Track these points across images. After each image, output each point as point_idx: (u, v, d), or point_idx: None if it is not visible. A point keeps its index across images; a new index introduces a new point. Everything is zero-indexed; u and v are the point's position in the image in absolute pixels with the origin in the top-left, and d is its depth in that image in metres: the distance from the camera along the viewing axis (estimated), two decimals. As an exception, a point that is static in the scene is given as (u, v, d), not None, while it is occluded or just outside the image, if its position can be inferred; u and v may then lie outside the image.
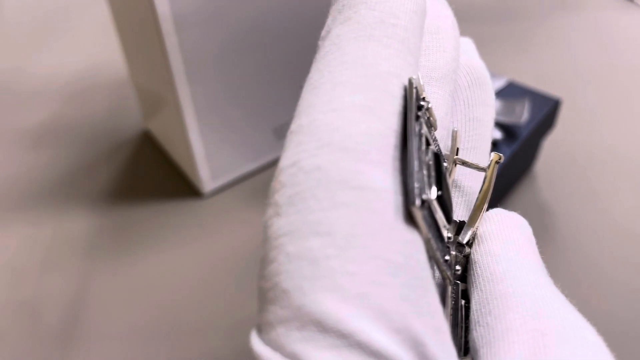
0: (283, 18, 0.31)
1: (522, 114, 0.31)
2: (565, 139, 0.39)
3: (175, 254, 0.33)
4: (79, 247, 0.34)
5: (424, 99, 0.13)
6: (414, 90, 0.12)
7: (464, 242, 0.15)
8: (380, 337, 0.10)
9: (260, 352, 0.10)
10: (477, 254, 0.15)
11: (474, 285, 0.14)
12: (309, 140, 0.12)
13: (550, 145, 0.38)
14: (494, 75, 0.35)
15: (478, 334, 0.13)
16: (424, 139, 0.12)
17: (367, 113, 0.12)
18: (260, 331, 0.11)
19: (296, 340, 0.10)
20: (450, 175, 0.15)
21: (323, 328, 0.10)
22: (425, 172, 0.11)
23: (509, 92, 0.34)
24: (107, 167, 0.39)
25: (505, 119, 0.31)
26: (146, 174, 0.38)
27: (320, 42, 0.14)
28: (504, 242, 0.14)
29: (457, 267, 0.15)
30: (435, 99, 0.15)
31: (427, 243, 0.11)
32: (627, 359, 0.28)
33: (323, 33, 0.14)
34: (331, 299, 0.10)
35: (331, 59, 0.13)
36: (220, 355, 0.29)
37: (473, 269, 0.14)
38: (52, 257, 0.33)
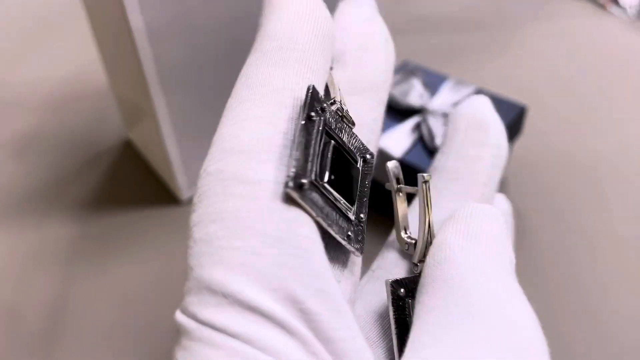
0: (256, 28, 0.32)
1: (487, 121, 0.32)
2: (536, 144, 0.40)
3: (154, 259, 0.34)
4: (60, 253, 0.34)
5: (329, 101, 0.15)
6: (309, 95, 0.14)
7: (415, 261, 0.17)
8: (255, 295, 0.12)
9: (175, 316, 0.13)
10: (432, 244, 0.16)
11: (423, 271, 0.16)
12: (215, 150, 0.14)
13: (521, 151, 0.39)
14: (463, 83, 0.36)
15: (416, 310, 0.15)
16: (319, 135, 0.14)
17: (261, 122, 0.14)
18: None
19: (193, 303, 0.13)
20: (398, 199, 0.18)
21: (212, 291, 0.12)
22: (315, 160, 0.14)
23: (477, 100, 0.35)
24: (88, 175, 0.40)
25: (471, 126, 0.32)
26: (127, 181, 0.39)
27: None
28: (455, 232, 0.16)
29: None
30: (362, 105, 0.17)
31: (316, 220, 0.13)
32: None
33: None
34: (219, 269, 0.12)
35: (239, 85, 0.15)
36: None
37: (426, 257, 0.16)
38: (34, 263, 0.34)
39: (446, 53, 0.50)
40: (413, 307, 0.16)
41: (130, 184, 0.39)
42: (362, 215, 0.15)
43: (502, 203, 0.22)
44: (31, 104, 0.46)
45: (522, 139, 0.39)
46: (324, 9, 0.17)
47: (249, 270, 0.12)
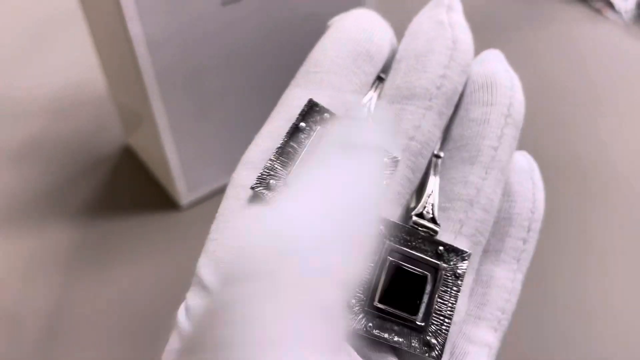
0: (254, 37, 0.33)
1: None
2: (532, 149, 0.40)
3: (154, 264, 0.34)
4: (60, 259, 0.35)
5: (327, 113, 0.16)
6: (305, 108, 0.16)
7: (411, 214, 0.17)
8: (209, 277, 0.15)
9: None
10: None
11: None
12: None
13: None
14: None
15: None
16: (308, 141, 0.16)
17: (267, 137, 0.16)
18: None
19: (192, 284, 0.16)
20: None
21: (196, 274, 0.16)
22: (294, 163, 0.16)
23: (473, 106, 0.35)
24: (88, 181, 0.40)
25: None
26: (126, 187, 0.39)
27: None
28: None
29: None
30: (403, 113, 0.17)
31: None
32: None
33: None
34: (203, 257, 0.16)
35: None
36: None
37: None
38: (34, 269, 0.34)
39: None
40: (390, 250, 0.16)
41: (130, 190, 0.39)
42: None
43: (522, 161, 0.20)
44: (31, 110, 0.47)
45: (518, 144, 0.40)
46: (368, 28, 0.18)
47: (214, 257, 0.15)
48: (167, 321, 0.31)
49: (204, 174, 0.37)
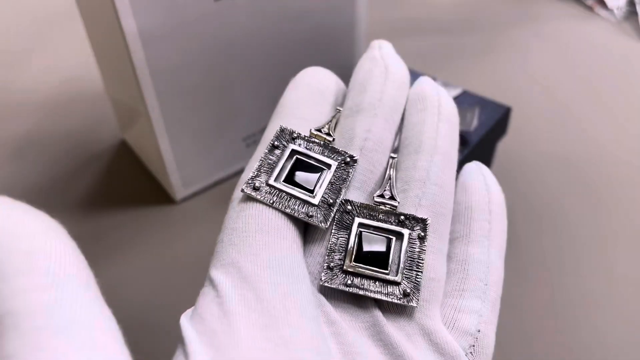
0: (247, 33, 0.33)
1: (472, 122, 0.33)
2: (520, 144, 0.41)
3: (149, 258, 0.35)
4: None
5: (295, 132, 0.21)
6: (277, 132, 0.21)
7: (374, 194, 0.20)
8: (213, 271, 0.18)
9: None
10: None
11: None
12: None
13: (505, 150, 0.40)
14: (449, 85, 0.37)
15: None
16: (282, 154, 0.20)
17: (254, 161, 0.20)
18: None
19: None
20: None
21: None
22: (273, 170, 0.20)
23: (462, 101, 0.36)
24: (84, 176, 0.40)
25: (456, 126, 0.33)
26: (122, 182, 0.40)
27: None
28: None
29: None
30: (355, 123, 0.22)
31: (273, 207, 0.19)
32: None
33: None
34: (213, 260, 0.18)
35: None
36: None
37: None
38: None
39: (433, 55, 0.51)
40: (359, 224, 0.19)
41: (126, 184, 0.40)
42: (331, 200, 0.19)
43: (471, 165, 0.24)
44: (27, 106, 0.47)
45: (506, 139, 0.40)
46: (316, 76, 0.24)
47: (216, 254, 0.18)
48: (162, 312, 0.32)
49: (199, 169, 0.37)
